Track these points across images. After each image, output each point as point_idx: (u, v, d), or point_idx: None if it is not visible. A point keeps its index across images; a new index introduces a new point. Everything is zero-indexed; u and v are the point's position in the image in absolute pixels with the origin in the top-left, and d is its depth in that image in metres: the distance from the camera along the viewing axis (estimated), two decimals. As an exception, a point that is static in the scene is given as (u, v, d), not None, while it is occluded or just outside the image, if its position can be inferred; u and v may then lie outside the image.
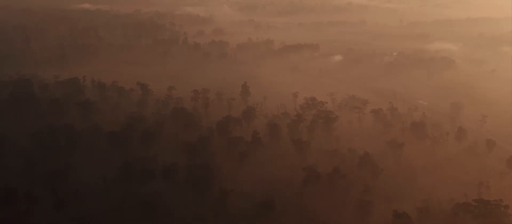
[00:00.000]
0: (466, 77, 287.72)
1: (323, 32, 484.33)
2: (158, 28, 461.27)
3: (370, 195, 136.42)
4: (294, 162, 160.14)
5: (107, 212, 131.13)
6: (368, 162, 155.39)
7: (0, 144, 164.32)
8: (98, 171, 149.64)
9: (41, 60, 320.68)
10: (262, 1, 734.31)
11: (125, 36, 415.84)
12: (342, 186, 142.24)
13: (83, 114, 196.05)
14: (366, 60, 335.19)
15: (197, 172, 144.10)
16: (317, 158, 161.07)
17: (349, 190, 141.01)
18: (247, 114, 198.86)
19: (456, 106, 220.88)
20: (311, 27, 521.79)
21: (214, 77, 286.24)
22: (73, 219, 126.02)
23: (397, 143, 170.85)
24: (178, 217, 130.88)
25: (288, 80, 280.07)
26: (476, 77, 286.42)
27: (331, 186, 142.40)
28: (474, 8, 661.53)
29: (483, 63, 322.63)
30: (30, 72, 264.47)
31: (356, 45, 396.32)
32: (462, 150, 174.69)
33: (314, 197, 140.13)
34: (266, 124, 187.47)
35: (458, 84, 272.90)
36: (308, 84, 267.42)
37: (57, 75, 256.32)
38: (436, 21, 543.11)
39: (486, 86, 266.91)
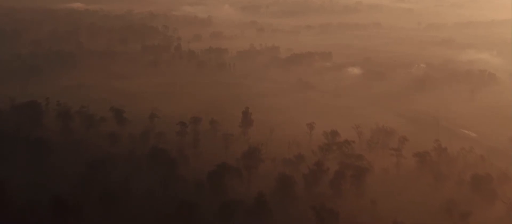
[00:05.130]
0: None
1: (334, 36, 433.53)
2: (149, 32, 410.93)
3: None
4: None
5: None
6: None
7: None
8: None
9: (6, 73, 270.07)
10: (265, 0, 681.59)
11: (110, 41, 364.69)
12: None
13: (27, 163, 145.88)
14: (390, 73, 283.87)
15: None
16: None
17: None
18: (248, 159, 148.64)
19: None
20: (320, 30, 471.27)
21: (209, 96, 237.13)
22: None
23: (461, 212, 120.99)
24: None
25: (298, 101, 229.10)
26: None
27: None
28: (493, 8, 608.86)
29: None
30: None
31: (373, 52, 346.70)
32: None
33: None
34: (275, 178, 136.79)
35: (509, 107, 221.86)
36: (324, 108, 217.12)
37: (14, 97, 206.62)
38: (458, 24, 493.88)
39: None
